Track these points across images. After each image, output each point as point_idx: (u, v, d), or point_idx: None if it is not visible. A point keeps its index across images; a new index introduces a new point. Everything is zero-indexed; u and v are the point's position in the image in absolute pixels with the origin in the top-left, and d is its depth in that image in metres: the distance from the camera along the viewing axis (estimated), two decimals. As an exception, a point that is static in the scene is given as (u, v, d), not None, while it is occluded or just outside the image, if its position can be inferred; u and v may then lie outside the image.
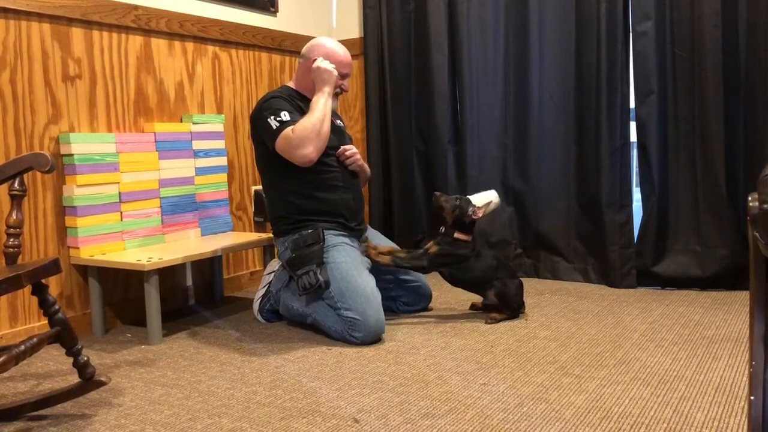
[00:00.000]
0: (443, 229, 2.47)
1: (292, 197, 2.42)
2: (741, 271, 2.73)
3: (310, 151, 2.29)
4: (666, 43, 2.82)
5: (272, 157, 2.38)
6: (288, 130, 2.30)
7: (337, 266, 2.30)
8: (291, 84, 2.56)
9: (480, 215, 2.46)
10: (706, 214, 2.80)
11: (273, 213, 2.52)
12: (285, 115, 2.32)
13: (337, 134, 2.52)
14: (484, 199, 2.52)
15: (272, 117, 2.33)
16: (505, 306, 2.46)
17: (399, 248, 2.56)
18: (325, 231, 2.36)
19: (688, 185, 2.83)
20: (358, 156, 2.54)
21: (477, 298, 2.59)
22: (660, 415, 1.60)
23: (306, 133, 2.28)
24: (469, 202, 2.47)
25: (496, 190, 3.26)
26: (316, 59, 2.43)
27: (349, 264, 2.31)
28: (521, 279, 2.55)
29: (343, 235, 2.40)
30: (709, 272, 2.80)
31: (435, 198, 2.49)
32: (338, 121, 2.60)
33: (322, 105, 2.35)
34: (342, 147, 2.49)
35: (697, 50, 2.74)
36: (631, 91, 2.93)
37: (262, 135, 2.38)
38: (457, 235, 2.44)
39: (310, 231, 2.36)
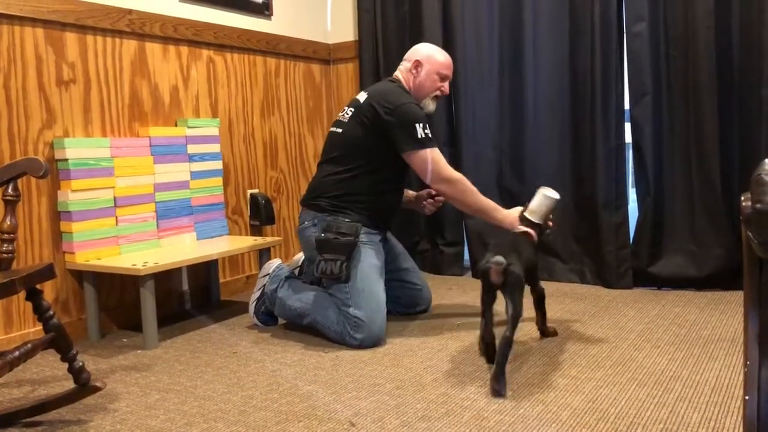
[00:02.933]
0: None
1: (356, 185, 2.38)
2: (737, 270, 2.73)
3: (444, 192, 2.37)
4: (660, 44, 2.82)
5: (371, 145, 2.36)
6: (436, 153, 2.34)
7: (361, 265, 2.29)
8: (401, 81, 2.52)
9: (553, 225, 2.29)
10: (702, 214, 2.80)
11: (319, 187, 2.43)
12: (430, 131, 2.36)
13: None
14: (542, 207, 2.21)
15: (420, 125, 2.32)
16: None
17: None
18: (360, 226, 2.34)
19: (684, 185, 2.84)
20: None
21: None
22: (656, 416, 1.60)
23: (462, 191, 2.34)
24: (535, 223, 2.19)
25: (492, 192, 3.26)
26: (418, 60, 2.49)
27: (372, 266, 2.32)
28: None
29: (372, 234, 2.40)
30: (705, 272, 2.80)
31: (546, 231, 2.25)
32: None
33: (487, 206, 2.34)
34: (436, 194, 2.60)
35: (691, 51, 2.75)
36: (625, 92, 2.94)
37: (396, 130, 2.32)
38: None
39: (347, 221, 2.33)
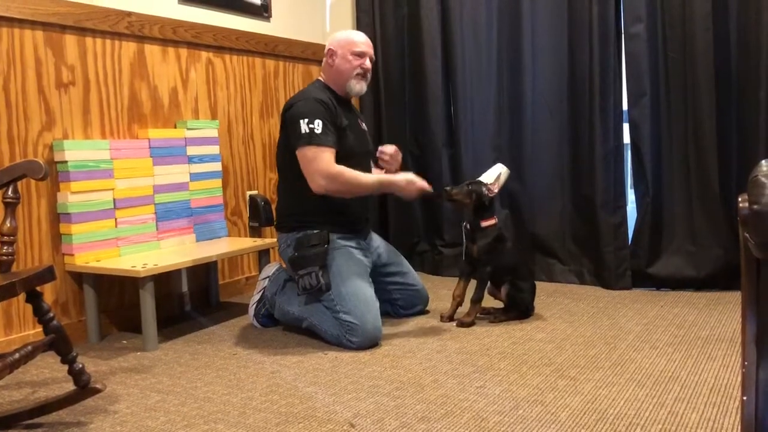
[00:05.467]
0: (467, 224, 2.45)
1: (307, 195, 2.37)
2: (735, 271, 2.74)
3: (326, 189, 2.29)
4: (658, 45, 2.83)
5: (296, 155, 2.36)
6: (317, 150, 2.27)
7: (339, 269, 2.30)
8: (321, 78, 2.51)
9: (496, 190, 2.45)
10: (700, 214, 2.81)
11: (282, 208, 2.50)
12: (318, 126, 2.29)
13: (362, 138, 2.56)
14: (493, 173, 2.50)
15: (304, 121, 2.29)
16: (514, 308, 2.49)
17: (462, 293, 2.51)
18: (330, 233, 2.36)
19: (682, 186, 2.84)
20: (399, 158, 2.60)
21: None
22: (655, 416, 1.60)
23: (344, 183, 2.29)
24: (481, 182, 2.45)
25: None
26: (330, 48, 2.45)
27: (352, 268, 2.32)
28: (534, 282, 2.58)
29: (347, 238, 2.40)
30: (703, 272, 2.81)
31: (446, 193, 2.45)
32: (363, 125, 2.61)
33: (375, 184, 2.37)
34: (389, 150, 2.55)
35: (689, 52, 2.76)
36: (623, 93, 2.95)
37: (289, 132, 2.35)
38: (483, 224, 2.42)
39: (315, 231, 2.35)
